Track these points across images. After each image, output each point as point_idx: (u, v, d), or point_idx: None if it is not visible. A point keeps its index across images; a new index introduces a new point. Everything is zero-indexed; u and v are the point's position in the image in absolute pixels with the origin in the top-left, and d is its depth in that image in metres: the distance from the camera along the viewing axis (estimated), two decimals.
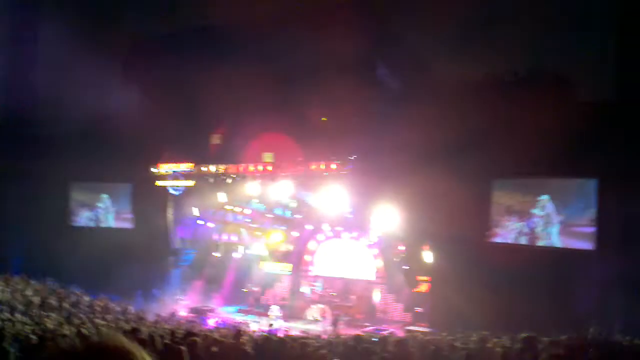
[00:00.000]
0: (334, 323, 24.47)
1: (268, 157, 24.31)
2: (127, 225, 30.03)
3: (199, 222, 29.95)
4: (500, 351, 10.51)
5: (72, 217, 31.39)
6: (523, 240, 22.63)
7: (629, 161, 19.77)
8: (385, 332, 20.94)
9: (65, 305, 20.64)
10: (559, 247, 21.57)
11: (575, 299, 21.03)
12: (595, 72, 23.77)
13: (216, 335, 13.01)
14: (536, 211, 22.36)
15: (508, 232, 22.96)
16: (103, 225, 30.88)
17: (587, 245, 21.25)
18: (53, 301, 20.59)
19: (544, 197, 22.14)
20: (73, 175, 30.41)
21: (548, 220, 22.08)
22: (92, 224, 31.17)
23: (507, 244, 22.49)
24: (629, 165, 19.75)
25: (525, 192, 22.67)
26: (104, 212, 30.93)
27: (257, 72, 24.27)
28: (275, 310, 26.36)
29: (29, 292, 21.46)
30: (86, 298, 23.01)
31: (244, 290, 29.31)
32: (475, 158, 21.50)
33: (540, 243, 22.28)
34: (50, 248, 28.05)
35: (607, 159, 20.27)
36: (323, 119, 23.76)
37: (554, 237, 21.99)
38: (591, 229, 21.29)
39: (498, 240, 22.91)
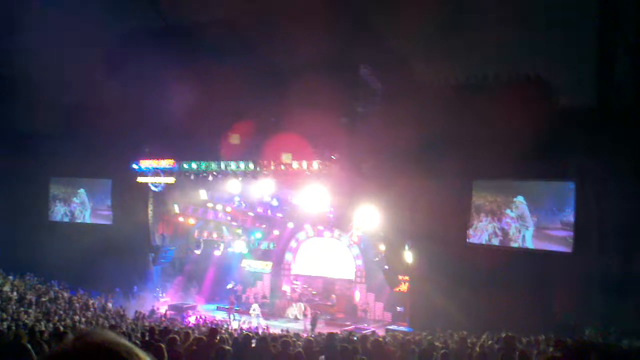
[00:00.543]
0: (313, 322, 24.53)
1: (287, 157, 24.00)
2: (104, 221, 29.78)
3: (179, 219, 29.82)
4: (479, 350, 10.61)
5: (51, 212, 31.11)
6: (497, 241, 22.74)
7: (607, 164, 20.00)
8: (365, 331, 21.01)
9: (44, 301, 20.49)
10: (538, 249, 21.75)
11: (554, 300, 21.28)
12: (575, 76, 24.04)
13: (196, 333, 13.00)
14: (511, 212, 22.51)
15: (483, 232, 23.07)
16: (78, 220, 30.61)
17: (561, 248, 21.45)
18: (31, 297, 20.42)
19: (519, 199, 22.30)
20: (52, 170, 30.16)
21: (523, 222, 22.22)
22: (68, 219, 30.87)
23: (487, 244, 22.66)
24: (607, 168, 19.99)
25: (501, 193, 22.79)
26: (80, 207, 30.66)
27: (238, 71, 24.22)
28: (255, 309, 26.37)
29: (6, 288, 21.25)
30: (65, 294, 22.84)
31: (228, 286, 29.28)
32: (456, 159, 21.67)
33: (514, 245, 22.41)
34: (29, 243, 27.82)
35: (585, 161, 20.51)
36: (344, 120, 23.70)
37: (528, 239, 22.13)
38: (566, 232, 21.46)
39: (474, 240, 23.05)
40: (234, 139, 24.72)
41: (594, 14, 21.30)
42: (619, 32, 20.73)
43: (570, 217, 21.39)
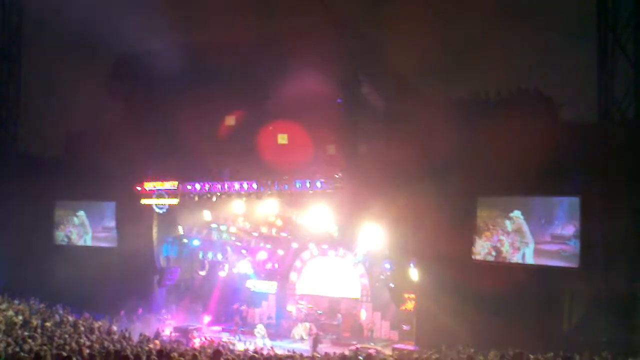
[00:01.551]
0: (314, 343, 24.39)
1: (282, 138, 23.92)
2: (109, 243, 29.72)
3: (184, 240, 29.79)
4: None
5: (55, 236, 31.08)
6: (498, 258, 22.52)
7: (611, 178, 19.96)
8: (372, 351, 20.87)
9: (49, 325, 20.40)
10: (543, 265, 21.57)
11: (560, 316, 21.14)
12: (576, 90, 24.12)
13: (202, 356, 12.93)
14: (508, 227, 22.34)
15: (483, 250, 22.87)
16: (82, 243, 30.55)
17: (559, 262, 21.24)
18: (36, 321, 20.34)
19: (519, 215, 22.14)
20: (57, 193, 30.21)
21: (521, 238, 22.02)
22: (71, 243, 30.81)
23: (492, 261, 22.52)
24: (612, 182, 19.94)
25: (502, 209, 22.59)
26: (83, 230, 30.61)
27: (239, 92, 24.35)
28: (261, 329, 26.23)
29: (11, 313, 21.18)
30: (70, 318, 22.75)
31: (233, 307, 29.21)
32: (460, 176, 21.67)
33: (514, 260, 22.19)
34: (34, 267, 27.82)
35: (589, 176, 20.49)
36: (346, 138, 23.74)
37: (528, 256, 21.92)
38: (558, 246, 21.26)
39: (479, 257, 22.89)
40: (230, 120, 24.66)
41: (593, 28, 21.39)
42: (618, 46, 20.79)
43: (560, 230, 21.24)
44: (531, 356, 13.81)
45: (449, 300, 21.73)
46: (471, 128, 21.61)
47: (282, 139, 23.88)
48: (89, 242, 30.35)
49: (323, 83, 22.88)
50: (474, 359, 12.02)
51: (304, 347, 24.30)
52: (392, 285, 25.35)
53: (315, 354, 19.51)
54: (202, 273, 31.19)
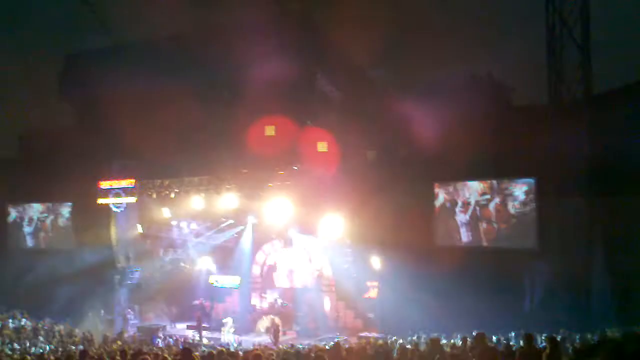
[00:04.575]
0: (275, 335, 24.44)
1: (322, 146, 23.40)
2: (66, 245, 29.21)
3: (143, 239, 29.42)
4: (449, 351, 10.72)
5: (10, 239, 30.42)
6: (455, 240, 22.87)
7: (563, 159, 20.39)
8: (337, 340, 21.01)
9: (7, 332, 20.02)
10: (502, 247, 22.00)
11: (520, 297, 21.60)
12: (526, 74, 24.53)
13: (166, 353, 12.84)
14: (462, 215, 22.72)
15: (443, 234, 23.20)
16: (40, 246, 29.97)
17: (521, 245, 21.65)
18: None
19: (476, 197, 22.52)
20: (9, 196, 29.61)
21: (477, 220, 22.41)
22: (28, 246, 30.21)
23: (452, 245, 22.86)
24: (564, 163, 20.38)
25: (458, 193, 22.96)
26: (41, 232, 30.03)
27: (196, 87, 24.12)
28: (226, 324, 26.14)
29: None
30: (29, 322, 22.35)
31: (195, 303, 29.00)
32: (416, 163, 21.95)
33: (473, 243, 22.58)
34: None
35: (542, 158, 20.93)
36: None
37: (484, 237, 22.31)
38: (525, 229, 21.70)
39: (439, 242, 23.20)
40: (270, 130, 23.92)
41: (541, 11, 21.76)
42: (565, 28, 21.19)
43: (516, 212, 21.69)
44: (494, 337, 14.10)
45: (411, 287, 21.99)
46: (425, 116, 21.84)
47: (322, 147, 23.40)
48: (49, 245, 29.81)
49: (279, 75, 22.80)
50: (437, 343, 12.19)
51: (269, 340, 24.35)
52: (355, 275, 25.50)
53: (283, 346, 19.55)
54: (164, 271, 30.87)
